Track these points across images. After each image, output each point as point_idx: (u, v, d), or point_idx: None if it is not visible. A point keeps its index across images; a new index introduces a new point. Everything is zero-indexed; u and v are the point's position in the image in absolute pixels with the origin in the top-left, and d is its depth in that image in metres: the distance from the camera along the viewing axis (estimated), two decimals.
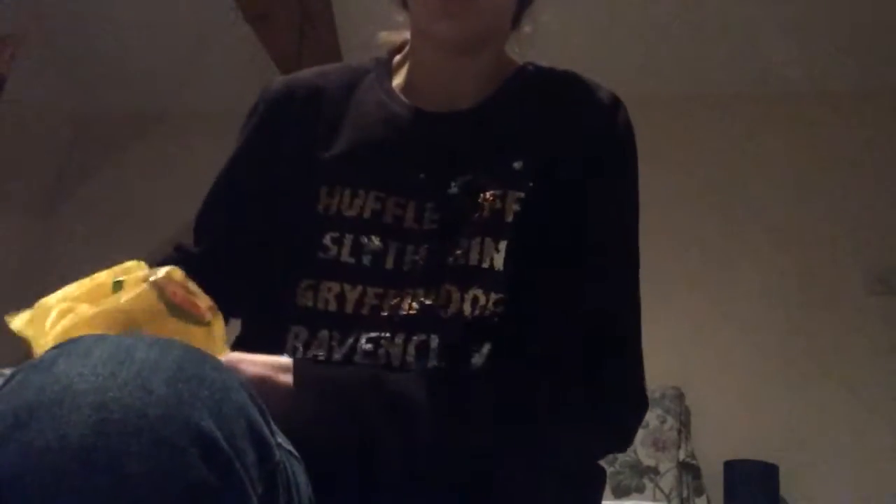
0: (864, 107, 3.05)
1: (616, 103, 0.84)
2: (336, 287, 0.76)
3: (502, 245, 0.75)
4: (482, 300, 0.73)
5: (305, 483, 0.56)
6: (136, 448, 0.39)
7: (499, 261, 0.74)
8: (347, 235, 0.78)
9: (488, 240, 0.76)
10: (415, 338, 0.73)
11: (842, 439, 2.71)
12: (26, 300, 1.88)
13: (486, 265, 0.75)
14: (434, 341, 0.72)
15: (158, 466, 0.39)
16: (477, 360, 0.72)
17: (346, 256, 0.77)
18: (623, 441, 0.79)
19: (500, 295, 0.73)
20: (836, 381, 2.78)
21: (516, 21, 0.88)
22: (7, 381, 0.43)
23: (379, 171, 0.81)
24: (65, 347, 0.43)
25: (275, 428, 0.50)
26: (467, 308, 0.73)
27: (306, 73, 0.92)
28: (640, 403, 0.80)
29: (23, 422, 0.39)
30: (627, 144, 0.84)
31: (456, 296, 0.74)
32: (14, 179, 3.34)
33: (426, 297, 0.74)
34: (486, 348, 0.72)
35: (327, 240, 0.78)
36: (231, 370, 0.47)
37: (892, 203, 2.95)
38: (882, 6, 2.71)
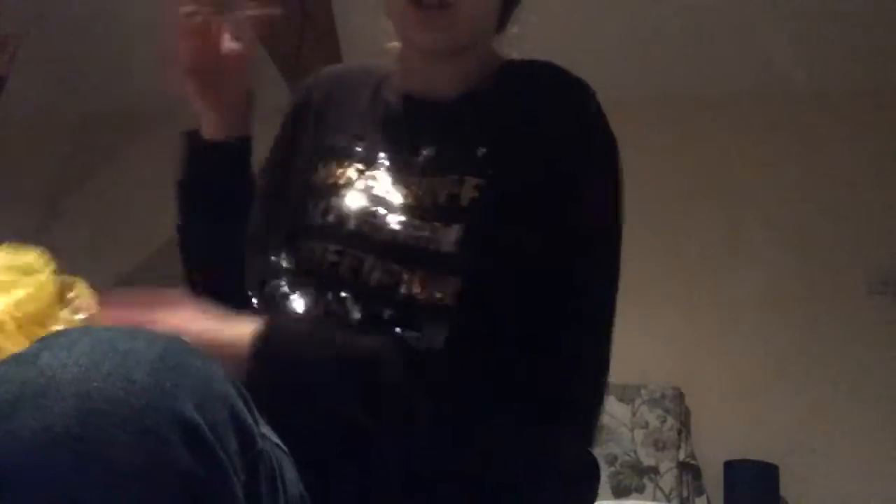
0: (864, 107, 3.05)
1: (583, 90, 0.82)
2: (310, 245, 0.80)
3: (456, 229, 0.74)
4: (434, 284, 0.72)
5: (295, 478, 0.56)
6: (121, 437, 0.39)
7: (449, 245, 0.74)
8: (322, 200, 0.83)
9: (442, 224, 0.75)
10: (370, 307, 0.74)
11: (842, 439, 2.71)
12: None
13: (443, 249, 0.74)
14: (387, 315, 0.73)
15: (144, 455, 0.39)
16: (431, 344, 0.71)
17: (318, 218, 0.82)
18: (588, 438, 0.77)
19: (454, 279, 0.72)
20: (837, 382, 2.78)
21: (503, 23, 0.89)
22: None
23: (361, 147, 0.86)
24: (48, 341, 0.44)
25: (259, 418, 0.51)
26: (416, 290, 0.73)
27: (332, 70, 0.99)
28: (596, 403, 0.77)
29: (6, 414, 0.39)
30: (595, 131, 0.81)
31: (408, 276, 0.73)
32: (14, 179, 3.34)
33: (381, 270, 0.75)
34: (440, 333, 0.71)
35: (310, 207, 0.83)
36: (214, 361, 0.47)
37: (893, 203, 2.96)
38: (882, 6, 2.71)
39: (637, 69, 3.05)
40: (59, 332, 0.45)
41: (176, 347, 0.45)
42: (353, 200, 0.81)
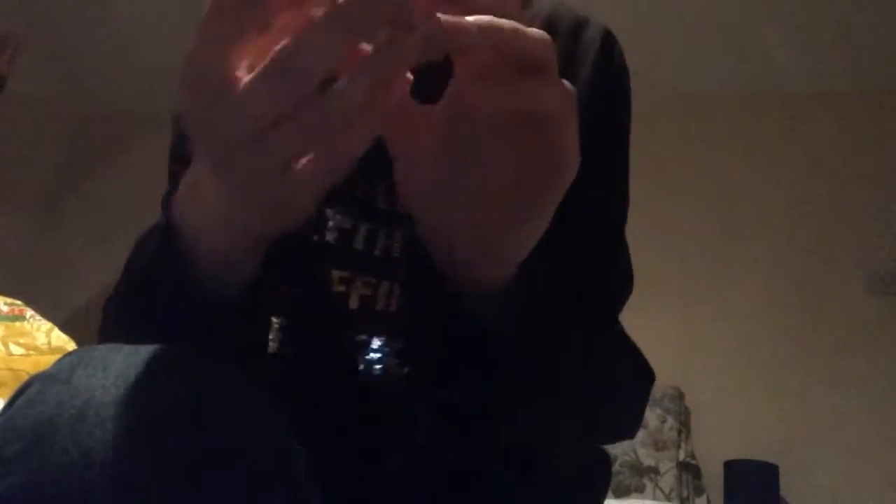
0: (864, 107, 3.05)
1: (609, 40, 0.72)
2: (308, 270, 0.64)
3: None
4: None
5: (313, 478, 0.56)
6: (163, 464, 0.37)
7: None
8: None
9: None
10: (397, 343, 0.62)
11: (842, 439, 2.71)
12: (27, 299, 1.88)
13: None
14: (418, 345, 0.61)
15: (187, 483, 0.37)
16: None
17: (311, 234, 0.65)
18: (638, 420, 0.68)
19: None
20: (836, 382, 2.78)
21: None
22: (21, 392, 0.41)
23: None
24: (80, 357, 0.41)
25: (291, 430, 0.49)
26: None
27: None
28: (650, 377, 0.69)
29: (43, 437, 0.37)
30: (622, 88, 0.72)
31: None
32: (15, 179, 3.34)
33: (404, 293, 0.63)
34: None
35: None
36: (249, 376, 0.45)
37: (892, 203, 2.96)
38: (882, 6, 2.71)
39: (637, 69, 3.05)
40: (88, 348, 0.43)
41: (210, 364, 0.43)
42: (355, 211, 0.65)
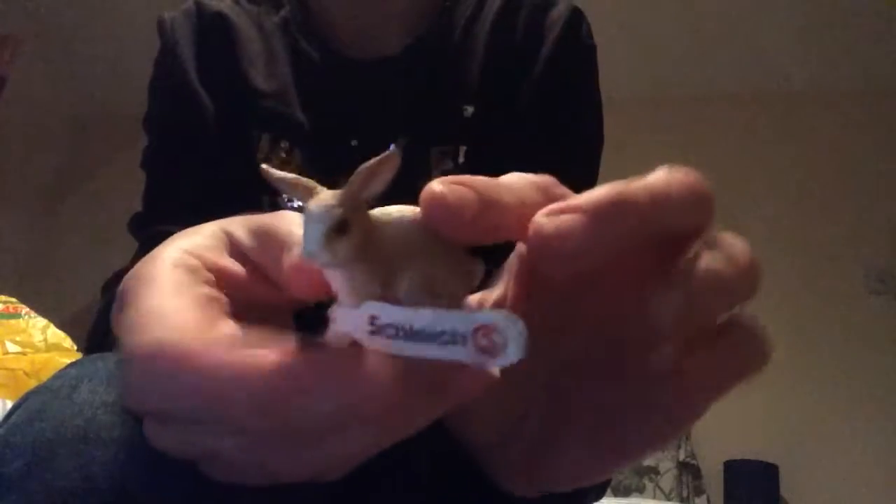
0: (864, 107, 3.05)
1: (575, 18, 0.70)
2: None
3: None
4: None
5: None
6: (171, 490, 0.34)
7: None
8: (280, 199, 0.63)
9: None
10: None
11: (842, 439, 2.71)
12: (27, 299, 1.88)
13: None
14: None
15: None
16: None
17: None
18: None
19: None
20: (836, 381, 2.78)
21: None
22: (20, 405, 0.38)
23: (304, 138, 0.66)
24: (83, 370, 0.38)
25: None
26: None
27: (205, 9, 0.74)
28: None
29: (43, 458, 0.34)
30: (586, 66, 0.70)
31: None
32: (14, 179, 3.34)
33: None
34: None
35: (265, 202, 0.63)
36: None
37: (893, 203, 2.96)
38: (882, 6, 2.71)
39: (637, 69, 3.05)
40: (92, 359, 0.39)
41: None
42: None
